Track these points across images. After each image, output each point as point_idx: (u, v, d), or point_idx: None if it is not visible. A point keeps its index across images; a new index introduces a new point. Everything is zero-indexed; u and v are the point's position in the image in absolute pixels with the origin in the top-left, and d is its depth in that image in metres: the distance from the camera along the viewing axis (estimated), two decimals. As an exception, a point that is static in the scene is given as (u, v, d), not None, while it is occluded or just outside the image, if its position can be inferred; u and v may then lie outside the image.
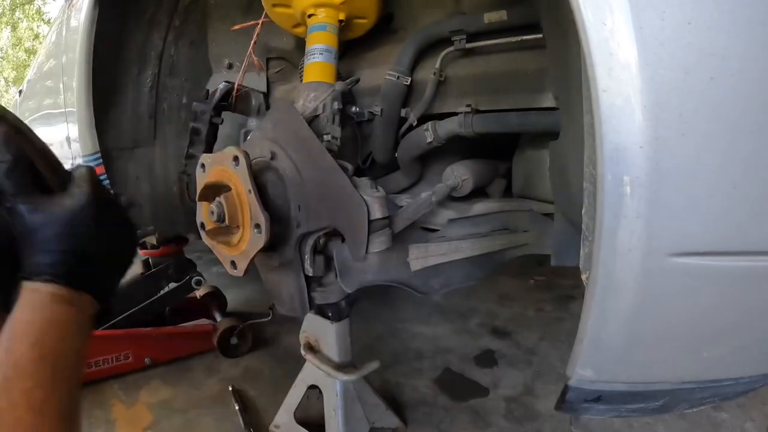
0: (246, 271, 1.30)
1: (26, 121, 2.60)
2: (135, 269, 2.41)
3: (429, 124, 1.57)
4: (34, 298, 0.72)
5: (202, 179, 1.37)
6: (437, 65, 1.55)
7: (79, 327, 0.75)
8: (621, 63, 0.68)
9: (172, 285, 2.42)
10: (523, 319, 2.77)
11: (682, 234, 0.73)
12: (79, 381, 0.74)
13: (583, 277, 0.82)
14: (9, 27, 19.88)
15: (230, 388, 2.07)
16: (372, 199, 1.21)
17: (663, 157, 0.70)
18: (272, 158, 1.34)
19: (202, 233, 1.38)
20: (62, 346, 0.71)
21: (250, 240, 1.24)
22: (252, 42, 1.75)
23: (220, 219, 1.27)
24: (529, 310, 2.91)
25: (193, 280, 2.39)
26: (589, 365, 0.84)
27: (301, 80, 1.54)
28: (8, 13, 19.59)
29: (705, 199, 0.72)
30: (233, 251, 1.30)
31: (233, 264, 1.32)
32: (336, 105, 1.45)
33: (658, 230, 0.72)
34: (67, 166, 1.98)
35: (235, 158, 1.23)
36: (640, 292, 0.77)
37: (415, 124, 1.63)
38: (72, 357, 0.72)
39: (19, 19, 19.90)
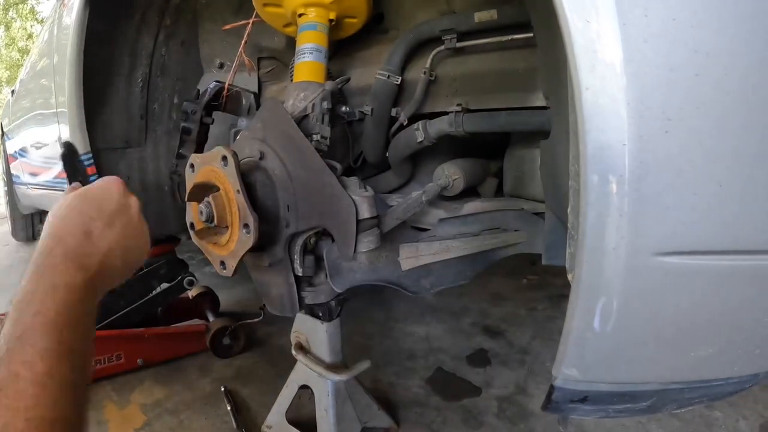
0: (235, 272, 1.30)
1: (19, 122, 2.60)
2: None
3: (420, 124, 1.57)
4: (40, 261, 0.72)
5: (191, 179, 1.37)
6: (428, 64, 1.55)
7: (86, 293, 0.74)
8: (604, 60, 0.68)
9: (164, 285, 2.41)
10: (515, 319, 2.77)
11: (667, 233, 0.73)
12: (86, 352, 0.72)
13: (569, 276, 0.82)
14: (2, 26, 19.84)
15: (222, 389, 2.07)
16: (360, 198, 1.21)
17: (647, 155, 0.69)
18: (261, 158, 1.34)
19: (192, 233, 1.37)
20: (66, 314, 0.69)
21: (238, 240, 1.23)
22: (243, 41, 1.74)
23: (209, 219, 1.27)
24: (522, 309, 2.91)
25: (185, 281, 2.38)
26: (575, 365, 0.84)
27: (292, 80, 1.54)
28: (1, 12, 19.56)
29: (690, 197, 0.72)
30: (222, 251, 1.30)
31: (222, 264, 1.31)
32: (326, 104, 1.44)
33: (642, 229, 0.72)
34: (60, 166, 1.98)
35: (224, 158, 1.23)
36: (625, 292, 0.76)
37: (405, 123, 1.63)
38: (77, 327, 0.70)
39: (12, 18, 19.87)
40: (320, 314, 1.50)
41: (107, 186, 0.87)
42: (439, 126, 1.53)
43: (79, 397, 0.68)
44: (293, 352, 1.57)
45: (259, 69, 2.03)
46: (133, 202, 0.88)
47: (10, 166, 4.19)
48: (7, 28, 19.89)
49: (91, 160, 1.80)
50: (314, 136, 1.41)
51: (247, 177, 1.28)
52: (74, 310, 0.70)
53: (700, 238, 0.75)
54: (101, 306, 0.83)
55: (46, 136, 2.28)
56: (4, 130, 4.34)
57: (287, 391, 1.70)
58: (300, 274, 1.36)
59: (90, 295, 0.75)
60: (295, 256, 1.34)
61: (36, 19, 19.68)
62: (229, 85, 1.92)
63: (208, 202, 1.26)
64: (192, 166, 1.37)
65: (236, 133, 1.80)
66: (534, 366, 2.25)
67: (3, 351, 0.64)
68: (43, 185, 2.69)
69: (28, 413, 0.60)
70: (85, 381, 0.71)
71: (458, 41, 1.49)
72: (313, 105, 1.43)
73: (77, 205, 0.82)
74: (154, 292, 2.38)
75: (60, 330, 0.67)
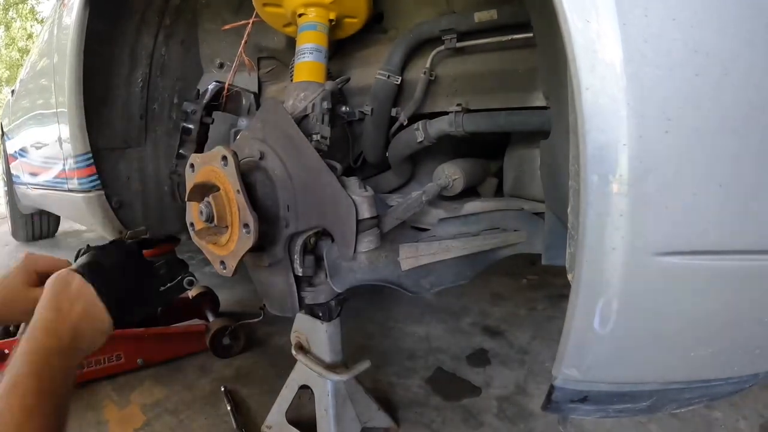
0: (235, 271, 1.30)
1: (19, 122, 2.62)
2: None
3: (419, 124, 1.57)
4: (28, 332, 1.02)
5: (191, 179, 1.37)
6: (428, 64, 1.55)
7: (58, 354, 1.01)
8: (604, 60, 0.68)
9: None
10: (515, 318, 2.77)
11: (666, 233, 0.73)
12: (66, 395, 0.99)
13: (569, 276, 0.82)
14: (2, 26, 19.86)
15: (222, 389, 2.07)
16: (360, 198, 1.21)
17: (647, 155, 0.69)
18: (261, 158, 1.34)
19: (192, 233, 1.37)
20: (49, 369, 0.97)
21: (238, 240, 1.23)
22: (243, 41, 1.74)
23: (209, 219, 1.27)
24: (522, 309, 2.91)
25: (185, 281, 2.36)
26: (575, 365, 0.84)
27: (292, 80, 1.54)
28: (1, 12, 19.58)
29: (690, 197, 0.72)
30: (222, 251, 1.30)
31: (222, 264, 1.31)
32: (326, 104, 1.44)
33: (642, 229, 0.72)
34: (60, 166, 1.98)
35: (224, 158, 1.23)
36: (625, 292, 0.76)
37: (405, 123, 1.63)
38: (58, 377, 0.98)
39: (12, 18, 19.89)
40: (320, 314, 1.50)
41: (65, 275, 1.16)
42: (439, 126, 1.53)
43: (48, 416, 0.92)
44: (293, 352, 1.57)
45: (259, 69, 2.03)
46: (88, 287, 1.16)
47: (10, 166, 4.19)
48: (7, 28, 19.92)
49: (91, 161, 1.80)
50: (314, 136, 1.41)
51: (247, 177, 1.28)
52: (45, 368, 0.96)
53: (700, 238, 0.75)
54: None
55: (46, 136, 2.27)
56: (4, 129, 4.34)
57: (287, 391, 1.70)
58: (300, 274, 1.36)
59: (64, 354, 1.02)
60: (295, 256, 1.34)
61: (36, 19, 19.71)
62: (229, 85, 1.92)
63: (208, 202, 1.26)
64: (192, 166, 1.37)
65: (236, 133, 1.80)
66: (534, 366, 2.25)
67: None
68: (43, 185, 2.68)
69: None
70: (63, 415, 0.96)
71: (458, 41, 1.50)
72: (313, 105, 1.43)
73: (48, 291, 1.11)
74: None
75: (26, 384, 0.92)
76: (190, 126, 1.89)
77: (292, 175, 1.29)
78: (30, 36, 19.54)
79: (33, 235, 5.33)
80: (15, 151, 3.59)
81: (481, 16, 1.43)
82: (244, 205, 1.19)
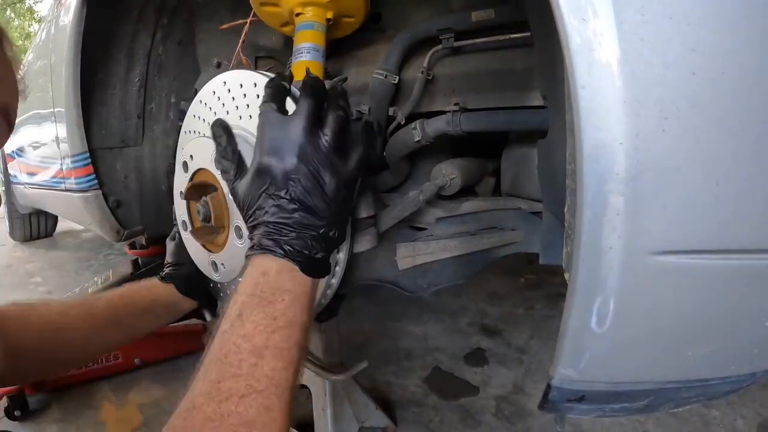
0: (232, 272, 1.29)
1: (16, 121, 2.59)
2: (124, 269, 2.40)
3: (417, 123, 1.56)
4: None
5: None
6: (425, 64, 1.55)
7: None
8: (601, 59, 0.68)
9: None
10: (513, 318, 2.77)
11: (663, 232, 0.73)
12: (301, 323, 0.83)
13: (566, 275, 0.82)
14: (0, 26, 19.89)
15: (220, 389, 2.06)
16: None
17: (644, 153, 0.69)
18: (258, 157, 1.33)
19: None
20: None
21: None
22: (240, 41, 1.74)
23: (206, 219, 1.27)
24: (519, 308, 2.92)
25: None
26: (571, 365, 0.84)
27: (289, 79, 1.54)
28: (-1, 11, 19.56)
29: (687, 196, 0.72)
30: (219, 251, 1.30)
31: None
32: (322, 104, 1.44)
33: (639, 228, 0.72)
34: (57, 165, 1.97)
35: (220, 157, 1.22)
36: (622, 291, 0.76)
37: (403, 122, 1.63)
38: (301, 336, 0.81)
39: (10, 18, 19.86)
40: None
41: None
42: (437, 125, 1.53)
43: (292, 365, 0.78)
44: (290, 351, 1.57)
45: (256, 68, 2.03)
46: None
47: (8, 165, 4.19)
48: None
49: (88, 160, 1.80)
50: (311, 135, 1.40)
51: (243, 176, 1.28)
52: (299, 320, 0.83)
53: (697, 237, 0.75)
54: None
55: (43, 136, 2.27)
56: (2, 129, 4.33)
57: (284, 391, 1.70)
58: (297, 274, 1.35)
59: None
60: (292, 256, 1.33)
61: (34, 19, 19.69)
62: (226, 84, 1.92)
63: (206, 202, 1.26)
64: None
65: (233, 133, 1.80)
66: (532, 365, 2.25)
67: (227, 326, 0.79)
68: (40, 185, 2.68)
69: (249, 380, 0.73)
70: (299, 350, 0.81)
71: (456, 40, 1.49)
72: (310, 104, 1.42)
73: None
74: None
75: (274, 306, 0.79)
76: (188, 125, 1.89)
77: (289, 174, 1.28)
78: (28, 36, 19.51)
79: (31, 234, 5.33)
80: (12, 151, 3.58)
81: (479, 16, 1.42)
82: (241, 204, 1.19)
